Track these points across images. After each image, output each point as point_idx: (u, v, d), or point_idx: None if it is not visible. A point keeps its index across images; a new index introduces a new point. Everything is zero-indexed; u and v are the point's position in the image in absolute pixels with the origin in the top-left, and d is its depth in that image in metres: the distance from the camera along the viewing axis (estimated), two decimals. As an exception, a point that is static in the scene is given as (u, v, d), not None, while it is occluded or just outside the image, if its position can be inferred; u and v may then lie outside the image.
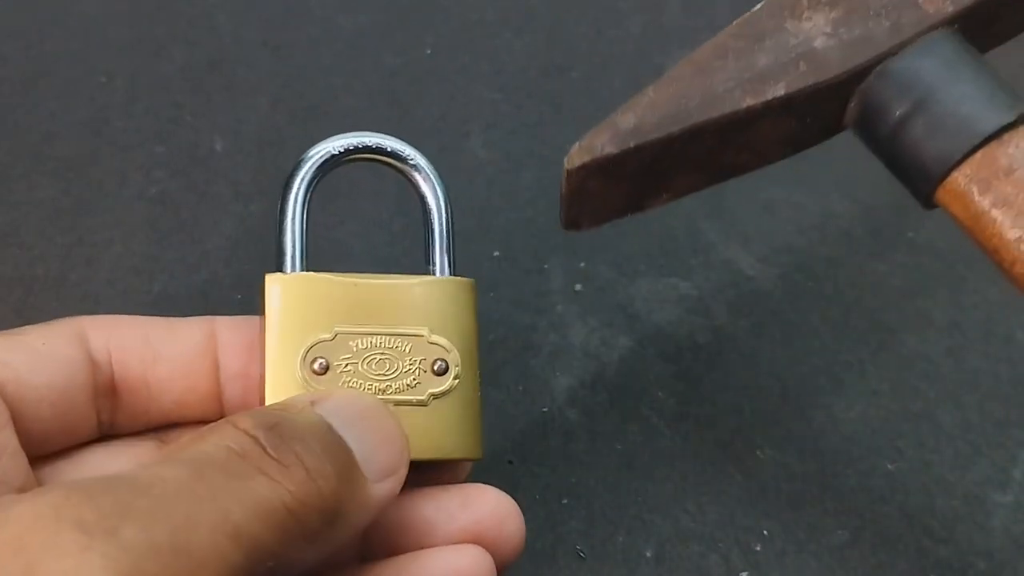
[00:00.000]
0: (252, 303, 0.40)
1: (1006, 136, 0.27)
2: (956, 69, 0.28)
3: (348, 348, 0.28)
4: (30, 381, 0.25)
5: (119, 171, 0.45)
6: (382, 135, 0.31)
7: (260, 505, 0.21)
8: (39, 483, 0.26)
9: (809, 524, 0.35)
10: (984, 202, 0.27)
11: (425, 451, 0.28)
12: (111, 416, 0.28)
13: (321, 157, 0.31)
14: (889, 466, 0.36)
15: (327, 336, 0.28)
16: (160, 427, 0.29)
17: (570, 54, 0.51)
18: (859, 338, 0.40)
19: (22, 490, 0.24)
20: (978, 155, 0.27)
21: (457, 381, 0.29)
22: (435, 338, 0.29)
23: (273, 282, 0.28)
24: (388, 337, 0.28)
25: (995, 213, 0.27)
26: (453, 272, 0.30)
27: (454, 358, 0.29)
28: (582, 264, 0.42)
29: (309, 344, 0.28)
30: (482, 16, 0.52)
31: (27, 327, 0.27)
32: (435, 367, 0.29)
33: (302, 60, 0.50)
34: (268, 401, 0.27)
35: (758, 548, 0.34)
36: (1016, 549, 0.34)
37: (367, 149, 0.31)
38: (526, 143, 0.47)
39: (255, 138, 0.47)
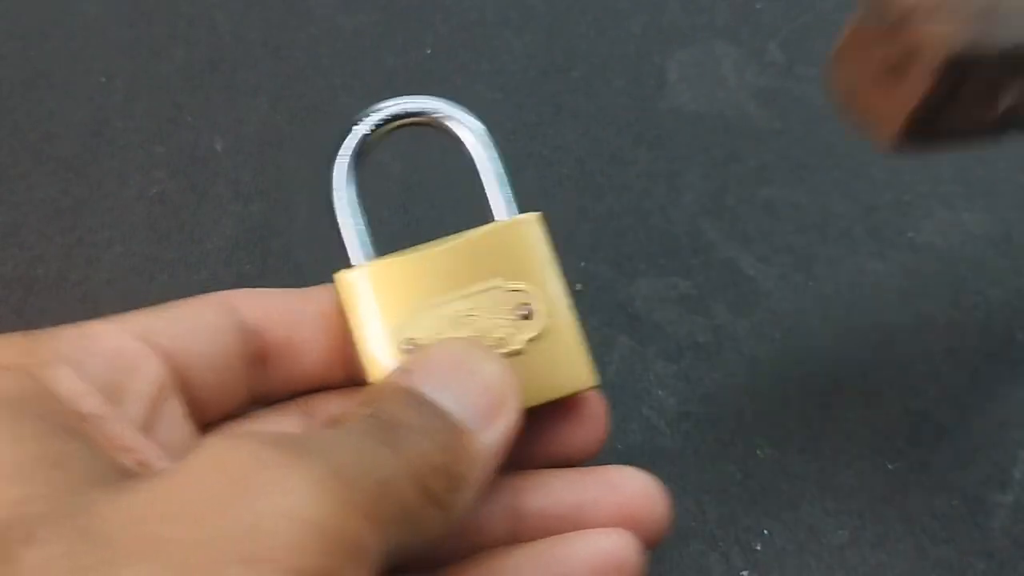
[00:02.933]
0: (252, 303, 0.40)
1: None
2: None
3: (432, 322, 0.28)
4: (195, 349, 0.26)
5: (119, 171, 0.45)
6: (401, 98, 0.30)
7: (396, 467, 0.22)
8: None
9: (809, 524, 0.35)
10: None
11: (536, 396, 0.27)
12: (260, 384, 0.28)
13: (349, 150, 0.30)
14: (889, 466, 0.36)
15: (407, 318, 0.28)
16: (303, 393, 0.29)
17: (570, 54, 0.51)
18: (859, 338, 0.40)
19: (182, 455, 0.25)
20: None
21: (548, 319, 0.28)
22: (512, 284, 0.28)
23: (340, 281, 0.28)
24: (467, 299, 0.28)
25: None
26: (518, 211, 0.30)
27: (537, 298, 0.28)
28: (582, 264, 0.42)
29: (392, 330, 0.27)
30: (482, 16, 0.52)
31: (174, 302, 0.27)
32: (521, 315, 0.28)
33: (302, 60, 0.50)
34: None
35: (758, 547, 0.34)
36: (1016, 549, 0.34)
37: (392, 119, 0.30)
38: (526, 143, 0.47)
39: (255, 138, 0.47)
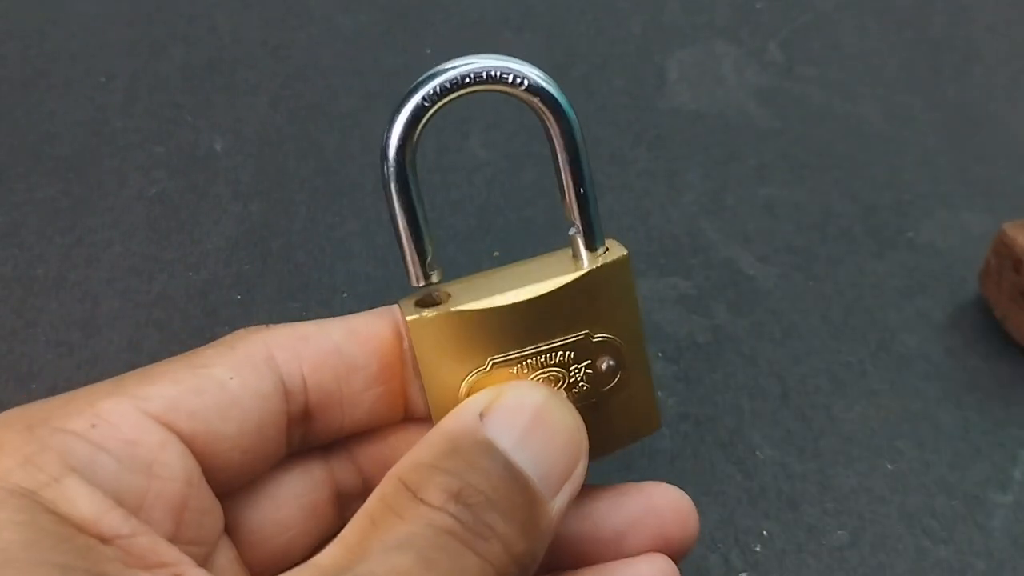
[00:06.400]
0: (252, 303, 0.41)
1: None
2: None
3: (507, 376, 0.25)
4: (222, 431, 0.23)
5: (119, 171, 0.45)
6: (481, 56, 0.24)
7: (483, 571, 0.21)
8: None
9: (809, 524, 0.35)
10: None
11: (605, 447, 0.26)
12: (302, 439, 0.26)
13: (403, 121, 0.24)
14: (889, 466, 0.36)
15: (483, 370, 0.25)
16: (348, 437, 0.27)
17: (570, 54, 0.51)
18: (859, 338, 0.40)
19: (212, 546, 0.23)
20: None
21: (627, 371, 0.26)
22: (599, 336, 0.25)
23: (413, 326, 0.25)
24: (548, 353, 0.25)
25: None
26: (600, 234, 0.26)
27: (622, 350, 0.26)
28: (582, 264, 0.42)
29: (466, 381, 0.25)
30: (482, 16, 0.52)
31: (209, 352, 0.24)
32: (604, 367, 0.26)
33: (302, 60, 0.50)
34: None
35: (758, 548, 0.34)
36: (1016, 549, 0.34)
37: (464, 83, 0.24)
38: (526, 143, 0.47)
39: (255, 138, 0.47)
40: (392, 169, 0.24)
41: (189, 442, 0.23)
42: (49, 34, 0.51)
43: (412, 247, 0.24)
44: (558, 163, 0.26)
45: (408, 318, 0.25)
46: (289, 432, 0.25)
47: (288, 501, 0.26)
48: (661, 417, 0.27)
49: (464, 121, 0.48)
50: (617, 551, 0.27)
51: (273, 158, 0.46)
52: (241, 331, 0.25)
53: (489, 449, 0.22)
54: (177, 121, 0.47)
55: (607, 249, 0.26)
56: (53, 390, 0.37)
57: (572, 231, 0.26)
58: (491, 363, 0.25)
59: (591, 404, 0.25)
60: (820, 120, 0.49)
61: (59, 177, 0.45)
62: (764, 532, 0.34)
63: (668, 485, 0.27)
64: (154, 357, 0.39)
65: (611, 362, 0.26)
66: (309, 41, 0.51)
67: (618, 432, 0.26)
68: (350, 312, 0.26)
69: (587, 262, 0.25)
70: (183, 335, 0.39)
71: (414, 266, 0.25)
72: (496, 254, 0.43)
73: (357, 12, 0.52)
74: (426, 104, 0.24)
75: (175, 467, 0.22)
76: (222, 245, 0.43)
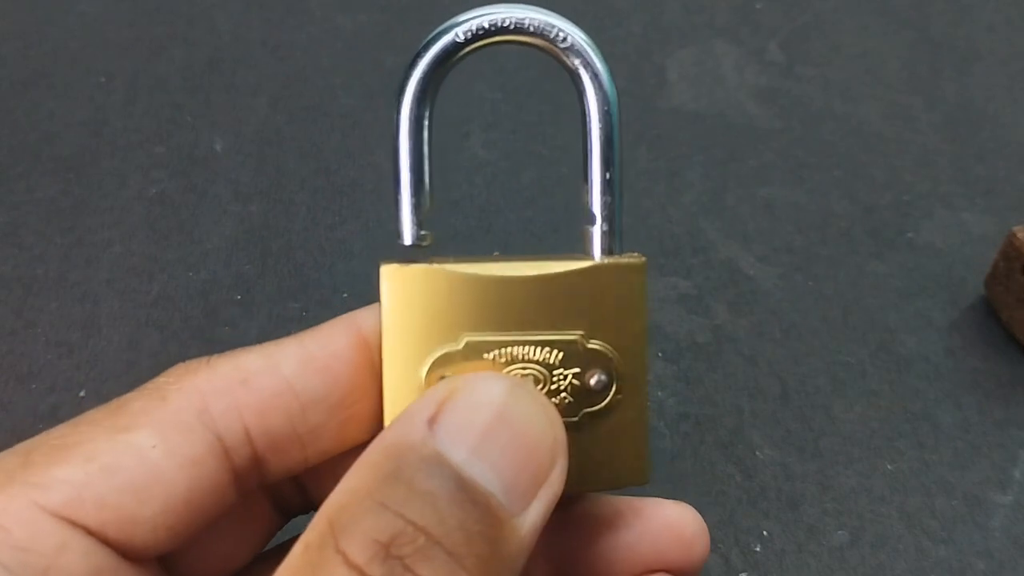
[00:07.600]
0: (252, 303, 0.41)
1: None
2: None
3: (481, 362, 0.22)
4: (139, 514, 0.20)
5: (119, 171, 0.45)
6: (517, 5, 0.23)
7: None
8: None
9: (809, 524, 0.35)
10: None
11: (579, 483, 0.22)
12: (258, 481, 0.23)
13: (433, 55, 0.22)
14: (889, 466, 0.36)
15: (454, 347, 0.22)
16: (315, 464, 0.24)
17: (570, 54, 0.51)
18: (859, 338, 0.40)
19: None
20: None
21: (620, 396, 0.23)
22: (593, 343, 0.23)
23: (388, 276, 0.22)
24: (533, 346, 0.22)
25: None
26: (620, 236, 0.23)
27: (616, 367, 0.23)
28: (582, 264, 0.42)
29: (433, 356, 0.22)
30: (482, 16, 0.52)
31: (137, 405, 0.21)
32: (593, 381, 0.23)
33: (302, 60, 0.50)
34: (387, 422, 0.22)
35: (757, 549, 0.34)
36: (1016, 549, 0.34)
37: (497, 30, 0.23)
38: (526, 143, 0.47)
39: (255, 138, 0.47)
40: (409, 104, 0.22)
41: (99, 533, 0.20)
42: (49, 34, 0.51)
43: (411, 198, 0.22)
44: (588, 139, 0.23)
45: (383, 266, 0.22)
46: (238, 482, 0.22)
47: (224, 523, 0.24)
48: (649, 470, 0.24)
49: (464, 121, 0.48)
50: (608, 571, 0.24)
51: (273, 158, 0.46)
52: (179, 369, 0.22)
53: (438, 465, 0.19)
54: (177, 121, 0.47)
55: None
56: (53, 390, 0.37)
57: (587, 225, 0.23)
58: (464, 341, 0.22)
59: (570, 424, 0.22)
60: (820, 120, 0.49)
61: (59, 177, 0.45)
62: (764, 532, 0.34)
63: (672, 503, 0.25)
64: (154, 357, 0.39)
65: (603, 378, 0.23)
66: (309, 41, 0.51)
67: (596, 469, 0.23)
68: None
69: (599, 258, 0.23)
70: (183, 335, 0.39)
71: (409, 220, 0.23)
72: (496, 254, 0.43)
73: (357, 12, 0.52)
74: (458, 41, 0.22)
75: (75, 570, 0.19)
76: (222, 245, 0.43)
